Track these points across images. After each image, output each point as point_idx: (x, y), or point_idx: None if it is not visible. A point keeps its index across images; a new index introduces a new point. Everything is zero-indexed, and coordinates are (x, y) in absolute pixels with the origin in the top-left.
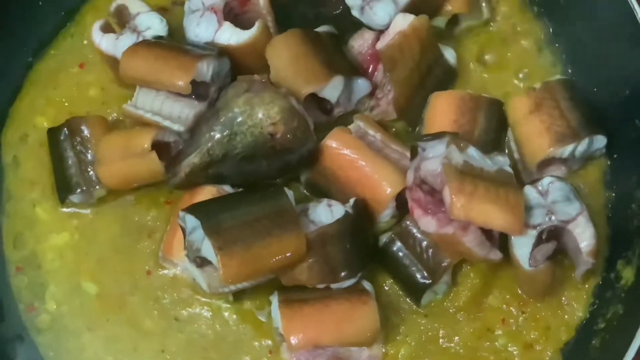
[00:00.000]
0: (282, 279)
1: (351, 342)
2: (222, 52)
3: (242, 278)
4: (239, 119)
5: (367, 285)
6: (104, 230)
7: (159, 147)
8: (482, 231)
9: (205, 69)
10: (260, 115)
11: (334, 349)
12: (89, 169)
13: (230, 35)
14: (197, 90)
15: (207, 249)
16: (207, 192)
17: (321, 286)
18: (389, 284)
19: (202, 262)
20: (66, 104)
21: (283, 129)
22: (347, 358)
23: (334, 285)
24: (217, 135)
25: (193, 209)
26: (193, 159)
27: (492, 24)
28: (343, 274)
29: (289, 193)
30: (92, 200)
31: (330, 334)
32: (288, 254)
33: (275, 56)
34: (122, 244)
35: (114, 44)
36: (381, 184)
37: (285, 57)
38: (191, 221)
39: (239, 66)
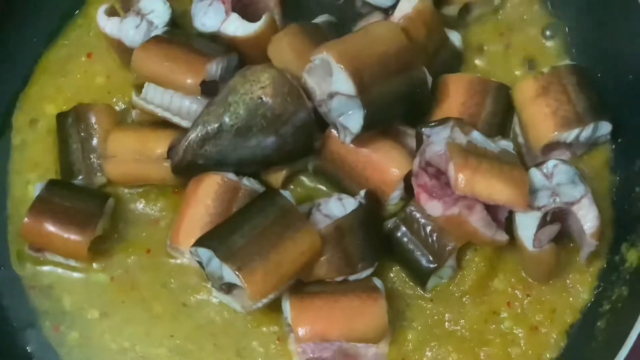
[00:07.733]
0: (301, 276)
1: (358, 338)
2: (229, 48)
3: (270, 289)
4: (233, 91)
5: (377, 282)
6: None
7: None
8: (488, 211)
9: (215, 69)
10: (251, 83)
11: (341, 344)
12: (92, 156)
13: (237, 27)
14: (206, 86)
15: (228, 274)
16: (211, 180)
17: (339, 279)
18: (394, 271)
19: (229, 288)
20: (74, 92)
21: (272, 92)
22: (354, 354)
23: (351, 277)
24: (212, 107)
25: (201, 242)
26: (189, 134)
27: (500, 11)
28: (360, 265)
29: (286, 193)
30: (92, 186)
31: (338, 328)
32: (305, 250)
33: (278, 54)
34: (128, 231)
35: (118, 27)
36: (389, 165)
37: (288, 54)
38: (204, 253)
39: (245, 57)
